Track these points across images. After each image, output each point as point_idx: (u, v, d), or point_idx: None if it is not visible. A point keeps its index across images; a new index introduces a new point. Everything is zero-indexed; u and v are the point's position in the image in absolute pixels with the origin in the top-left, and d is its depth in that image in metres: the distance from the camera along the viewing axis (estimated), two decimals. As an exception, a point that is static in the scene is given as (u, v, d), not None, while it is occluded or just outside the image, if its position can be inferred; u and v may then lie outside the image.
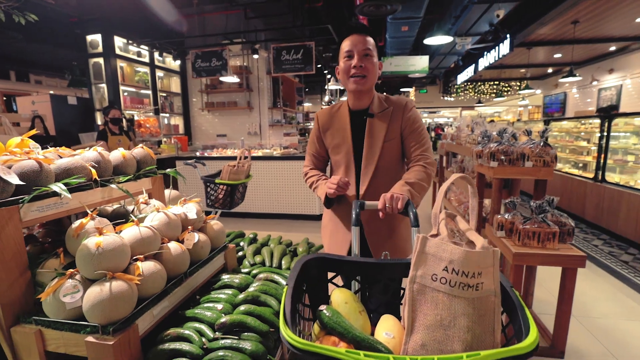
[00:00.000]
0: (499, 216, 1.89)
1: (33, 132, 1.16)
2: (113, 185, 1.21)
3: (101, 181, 1.17)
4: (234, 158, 2.86)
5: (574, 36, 6.55)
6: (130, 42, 5.55)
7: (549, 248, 1.71)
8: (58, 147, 1.24)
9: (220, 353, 0.95)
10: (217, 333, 1.05)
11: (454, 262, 0.64)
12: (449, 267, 0.64)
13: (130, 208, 1.38)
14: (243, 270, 1.51)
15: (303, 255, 0.77)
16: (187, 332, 1.03)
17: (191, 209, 1.35)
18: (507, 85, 13.52)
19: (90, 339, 0.88)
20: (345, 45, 1.25)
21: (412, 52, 8.83)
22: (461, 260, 0.64)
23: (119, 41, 5.42)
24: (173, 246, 1.16)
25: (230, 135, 6.77)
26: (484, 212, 2.56)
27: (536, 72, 11.91)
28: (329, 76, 7.72)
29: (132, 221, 1.10)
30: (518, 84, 13.24)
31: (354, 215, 1.05)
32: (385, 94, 1.40)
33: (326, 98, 8.12)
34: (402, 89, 14.41)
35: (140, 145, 1.54)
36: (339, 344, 0.66)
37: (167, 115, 6.71)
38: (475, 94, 14.40)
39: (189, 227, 1.30)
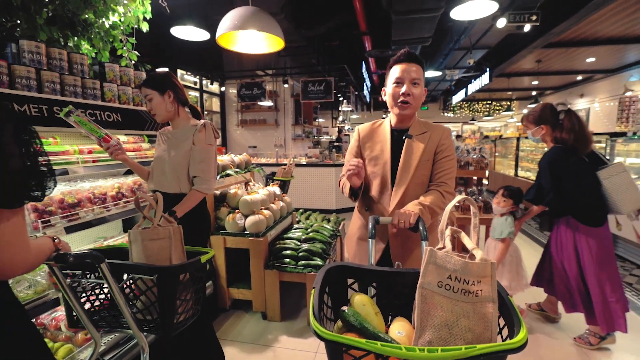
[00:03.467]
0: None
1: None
2: (239, 173, 2.70)
3: (235, 172, 2.66)
4: (266, 164, 4.36)
5: (538, 70, 8.07)
6: (187, 73, 7.13)
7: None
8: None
9: (305, 247, 2.40)
10: (300, 244, 2.49)
11: (457, 272, 0.74)
12: (452, 275, 0.74)
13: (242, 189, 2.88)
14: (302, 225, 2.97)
15: (325, 265, 0.89)
16: (287, 241, 2.48)
17: (276, 189, 2.82)
18: (498, 104, 15.03)
19: (251, 239, 2.33)
20: (396, 71, 1.30)
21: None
22: (463, 270, 0.74)
23: (178, 72, 7.00)
24: (273, 205, 2.62)
25: (260, 147, 8.27)
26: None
27: (522, 94, 13.45)
28: (342, 99, 9.27)
29: (255, 192, 2.58)
30: (508, 103, 14.75)
31: (370, 229, 1.13)
32: (426, 120, 1.47)
33: (340, 118, 9.66)
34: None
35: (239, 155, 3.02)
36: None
37: (211, 130, 8.26)
38: (470, 112, 15.91)
39: (276, 198, 2.77)
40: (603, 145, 4.18)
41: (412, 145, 1.36)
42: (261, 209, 2.49)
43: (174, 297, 1.08)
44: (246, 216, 2.42)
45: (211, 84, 7.49)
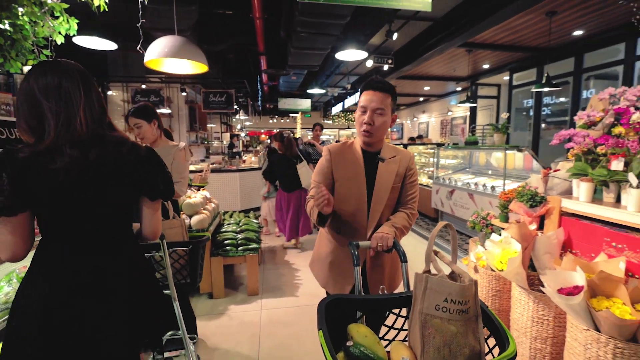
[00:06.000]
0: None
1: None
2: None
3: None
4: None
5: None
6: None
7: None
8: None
9: (241, 236, 3.11)
10: (237, 234, 3.19)
11: (452, 294, 0.80)
12: (448, 298, 0.80)
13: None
14: (232, 221, 3.61)
15: (322, 300, 0.86)
16: (226, 233, 3.15)
17: (207, 193, 3.44)
18: (367, 115, 18.03)
19: (197, 234, 2.93)
20: (362, 100, 1.33)
21: (300, 88, 11.71)
22: (457, 292, 0.80)
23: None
24: (207, 206, 3.25)
25: (155, 152, 8.06)
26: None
27: (385, 108, 16.64)
28: (238, 108, 9.78)
29: (191, 196, 3.16)
30: (375, 115, 17.86)
31: (355, 256, 1.16)
32: (394, 145, 1.52)
33: (238, 126, 10.15)
34: (291, 114, 17.37)
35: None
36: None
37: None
38: (346, 120, 18.51)
39: (207, 201, 3.38)
40: (434, 151, 6.04)
41: (385, 169, 1.39)
42: (201, 210, 3.03)
43: (198, 260, 1.71)
44: (190, 216, 2.93)
45: (96, 86, 6.98)
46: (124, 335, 1.03)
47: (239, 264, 2.98)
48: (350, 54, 4.54)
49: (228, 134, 12.82)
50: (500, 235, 2.14)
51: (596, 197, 1.95)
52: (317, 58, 5.39)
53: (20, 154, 0.90)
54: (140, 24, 2.72)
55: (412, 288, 0.93)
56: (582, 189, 1.94)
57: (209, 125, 11.15)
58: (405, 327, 0.97)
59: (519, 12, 3.83)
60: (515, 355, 0.74)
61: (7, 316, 1.20)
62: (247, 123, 16.05)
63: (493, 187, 4.14)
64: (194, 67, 3.29)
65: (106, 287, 1.00)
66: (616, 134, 1.83)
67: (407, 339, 0.95)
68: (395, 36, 4.18)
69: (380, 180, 1.38)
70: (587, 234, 1.89)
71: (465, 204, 4.48)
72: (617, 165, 1.80)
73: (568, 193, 2.15)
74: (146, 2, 2.31)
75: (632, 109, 1.82)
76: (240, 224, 3.37)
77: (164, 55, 2.81)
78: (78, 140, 0.95)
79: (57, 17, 2.63)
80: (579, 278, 1.46)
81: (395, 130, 16.72)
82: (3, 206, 0.88)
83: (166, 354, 1.86)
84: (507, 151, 4.01)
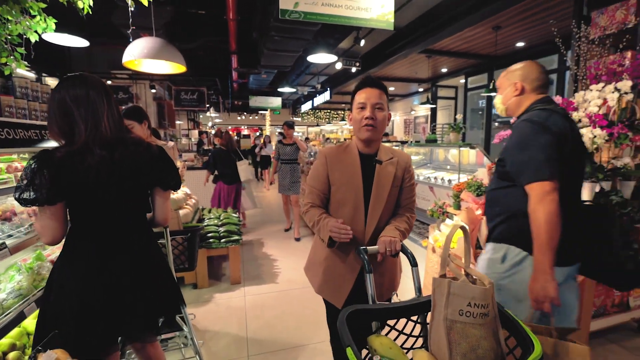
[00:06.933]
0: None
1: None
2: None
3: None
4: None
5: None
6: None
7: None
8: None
9: (224, 229, 3.31)
10: (219, 228, 3.39)
11: (476, 298, 0.79)
12: (471, 302, 0.79)
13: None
14: (212, 216, 3.79)
15: (341, 313, 0.82)
16: (208, 227, 3.34)
17: (187, 190, 3.59)
18: (335, 113, 18.43)
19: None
20: (360, 97, 1.32)
21: (270, 85, 11.83)
22: (480, 296, 0.79)
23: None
24: (189, 202, 3.42)
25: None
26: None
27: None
28: (209, 106, 9.74)
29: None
30: (343, 113, 18.29)
31: (366, 262, 1.12)
32: (389, 146, 1.48)
33: (209, 123, 10.10)
34: (260, 111, 17.37)
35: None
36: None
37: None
38: (315, 118, 18.82)
39: (188, 197, 3.54)
40: (398, 148, 6.50)
41: (383, 171, 1.36)
42: (184, 205, 3.19)
43: (196, 247, 1.92)
44: (175, 211, 3.08)
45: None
46: (146, 313, 1.24)
47: (224, 254, 3.17)
48: (320, 57, 4.84)
49: (196, 131, 12.65)
50: (453, 220, 2.54)
51: (526, 186, 2.40)
52: (289, 59, 5.61)
53: (57, 154, 1.09)
54: (130, 30, 2.81)
55: (423, 293, 0.99)
56: (515, 179, 2.38)
57: (177, 122, 10.98)
58: (406, 330, 0.97)
59: (469, 26, 4.32)
60: (542, 356, 0.72)
61: (20, 303, 1.38)
62: (217, 120, 15.86)
63: (450, 181, 4.63)
64: (171, 67, 3.42)
65: (127, 284, 1.20)
66: (539, 135, 2.27)
67: (419, 345, 0.97)
68: (362, 42, 4.52)
69: (378, 183, 1.35)
70: (519, 216, 2.33)
71: (427, 197, 4.95)
72: (540, 160, 2.24)
73: (506, 183, 2.59)
74: (132, 7, 2.41)
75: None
76: (221, 218, 3.55)
77: (144, 57, 2.92)
78: (105, 142, 1.15)
79: (34, 17, 2.68)
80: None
81: (362, 128, 17.34)
82: (46, 197, 1.07)
83: (163, 336, 2.05)
84: (462, 148, 4.51)
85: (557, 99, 2.32)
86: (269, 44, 4.88)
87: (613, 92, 2.08)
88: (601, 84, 2.20)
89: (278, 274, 3.47)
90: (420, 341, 0.99)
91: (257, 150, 10.29)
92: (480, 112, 8.22)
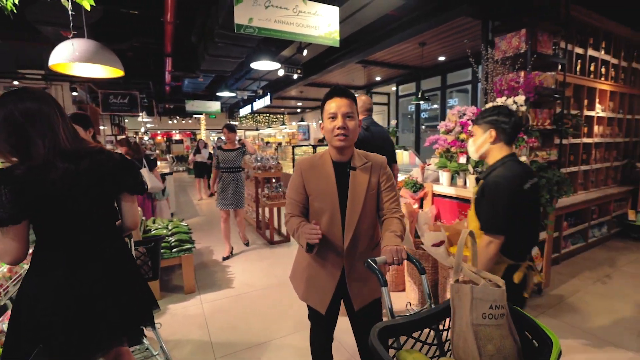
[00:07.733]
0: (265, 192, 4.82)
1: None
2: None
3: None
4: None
5: (301, 97, 11.22)
6: None
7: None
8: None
9: (174, 238, 3.25)
10: (169, 237, 3.32)
11: (497, 300, 0.82)
12: (493, 304, 0.82)
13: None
14: (159, 226, 3.67)
15: (372, 331, 0.80)
16: (160, 234, 3.25)
17: None
18: (275, 117, 18.49)
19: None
20: (330, 107, 1.34)
21: (207, 89, 11.45)
22: (500, 297, 0.83)
23: None
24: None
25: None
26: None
27: (291, 111, 17.35)
28: (143, 113, 9.10)
29: None
30: (282, 117, 18.43)
31: (380, 275, 1.11)
32: (363, 151, 1.46)
33: (142, 129, 9.43)
34: (194, 115, 16.61)
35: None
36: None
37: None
38: (254, 122, 18.65)
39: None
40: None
41: (357, 178, 1.37)
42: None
43: (159, 256, 1.92)
44: (120, 223, 2.94)
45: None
46: (122, 319, 1.27)
47: (176, 264, 3.10)
48: (264, 64, 4.94)
49: (124, 137, 11.65)
50: (395, 214, 2.88)
51: (453, 183, 2.84)
52: (231, 65, 5.60)
53: (17, 171, 1.08)
54: (69, 30, 2.63)
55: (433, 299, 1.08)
56: (444, 177, 2.80)
57: (101, 128, 10.01)
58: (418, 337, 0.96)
59: (400, 42, 4.85)
60: (560, 352, 0.74)
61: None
62: (149, 125, 14.77)
63: (388, 180, 5.08)
64: (107, 71, 3.25)
65: (99, 292, 1.21)
66: (461, 139, 2.72)
67: (432, 352, 0.97)
68: (305, 52, 4.75)
69: (353, 191, 1.36)
70: (449, 208, 2.75)
71: (368, 196, 5.34)
72: (463, 160, 2.68)
73: (437, 180, 3.02)
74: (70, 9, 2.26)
75: (470, 122, 2.74)
76: (170, 228, 3.45)
77: (76, 60, 2.74)
78: (66, 155, 1.15)
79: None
80: (442, 236, 2.22)
81: (301, 131, 17.63)
82: (8, 216, 1.05)
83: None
84: (397, 150, 5.00)
85: (472, 109, 2.80)
86: (211, 50, 4.84)
87: (512, 105, 2.60)
88: (504, 97, 2.72)
89: (233, 279, 3.49)
90: (433, 348, 0.97)
91: (190, 157, 9.01)
92: (409, 117, 9.06)
